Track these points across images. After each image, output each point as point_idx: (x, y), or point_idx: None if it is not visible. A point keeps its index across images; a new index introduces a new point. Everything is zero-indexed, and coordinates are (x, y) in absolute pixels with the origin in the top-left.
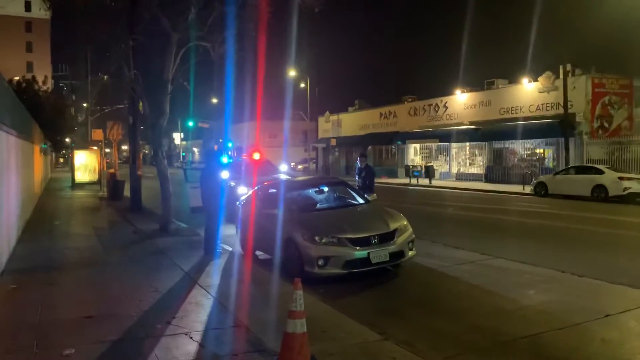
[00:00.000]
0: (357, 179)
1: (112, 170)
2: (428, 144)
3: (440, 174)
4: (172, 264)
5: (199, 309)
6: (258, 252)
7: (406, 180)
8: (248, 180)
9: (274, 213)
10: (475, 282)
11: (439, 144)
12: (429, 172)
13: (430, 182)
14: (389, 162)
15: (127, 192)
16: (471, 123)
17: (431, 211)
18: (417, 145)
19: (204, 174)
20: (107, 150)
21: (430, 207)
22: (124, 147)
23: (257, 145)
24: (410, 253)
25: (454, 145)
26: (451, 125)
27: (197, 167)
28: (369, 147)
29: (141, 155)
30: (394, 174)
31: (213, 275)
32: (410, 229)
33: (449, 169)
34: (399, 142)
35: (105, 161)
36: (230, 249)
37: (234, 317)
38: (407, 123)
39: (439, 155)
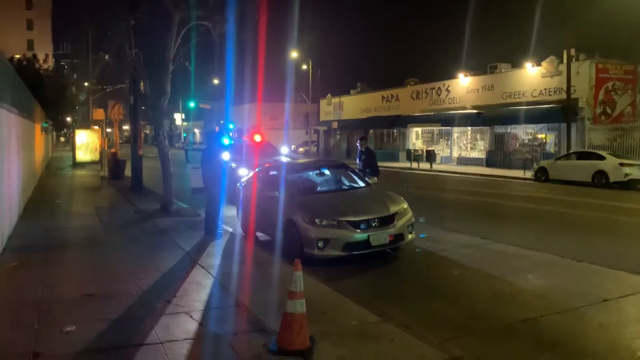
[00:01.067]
0: (358, 162)
1: (113, 150)
2: (430, 127)
3: (442, 158)
4: (173, 244)
5: (200, 288)
6: (259, 234)
7: (407, 164)
8: (249, 162)
9: (275, 195)
10: (475, 266)
11: (441, 128)
12: (430, 156)
13: (431, 167)
14: (390, 145)
15: (128, 172)
16: (473, 107)
17: (431, 195)
18: (419, 129)
19: (205, 155)
20: (109, 129)
21: (430, 191)
22: (125, 127)
23: (258, 127)
24: (409, 236)
25: (455, 129)
26: (453, 109)
27: (198, 148)
28: (371, 131)
29: (142, 135)
30: (395, 158)
31: (214, 256)
32: (410, 213)
33: (450, 153)
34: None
35: (105, 141)
36: (231, 230)
37: (234, 297)
38: (409, 107)
39: (441, 140)
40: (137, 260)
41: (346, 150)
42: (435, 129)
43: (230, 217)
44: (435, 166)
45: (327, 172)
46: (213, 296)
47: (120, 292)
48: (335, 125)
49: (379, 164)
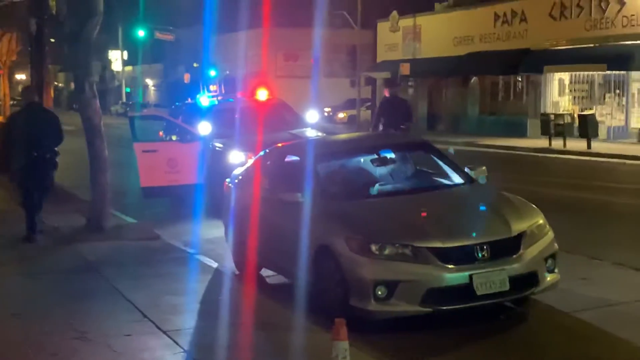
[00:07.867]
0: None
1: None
2: (586, 73)
3: (610, 130)
4: (110, 289)
5: None
6: (265, 272)
7: (543, 142)
8: (247, 140)
9: (295, 200)
10: None
11: (607, 73)
12: (588, 127)
13: (588, 146)
14: (510, 107)
15: None
16: None
17: (591, 201)
18: (565, 76)
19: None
20: None
21: (588, 193)
22: (20, 77)
23: (264, 76)
24: (549, 278)
25: (635, 75)
26: (632, 37)
27: (152, 115)
28: (474, 78)
29: (52, 91)
30: (519, 131)
31: (183, 312)
32: (551, 233)
33: (627, 121)
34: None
35: None
36: (214, 264)
37: None
38: (547, 33)
39: (607, 96)
40: (47, 319)
41: (427, 114)
42: (597, 75)
43: (212, 242)
44: (596, 145)
45: (391, 156)
46: None
47: None
48: (406, 69)
49: (481, 140)
